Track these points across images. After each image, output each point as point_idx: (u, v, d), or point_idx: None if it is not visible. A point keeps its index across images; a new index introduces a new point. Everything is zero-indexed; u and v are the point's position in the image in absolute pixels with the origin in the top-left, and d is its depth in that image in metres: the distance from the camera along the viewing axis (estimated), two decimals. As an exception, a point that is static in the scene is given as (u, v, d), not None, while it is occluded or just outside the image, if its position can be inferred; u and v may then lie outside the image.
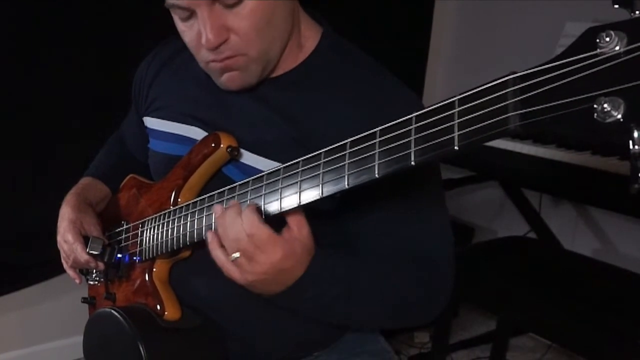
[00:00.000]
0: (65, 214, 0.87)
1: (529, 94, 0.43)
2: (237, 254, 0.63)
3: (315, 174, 0.58)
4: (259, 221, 0.61)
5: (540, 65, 0.43)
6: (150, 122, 0.88)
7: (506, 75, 0.45)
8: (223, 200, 0.69)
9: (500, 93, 0.45)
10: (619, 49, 0.39)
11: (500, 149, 1.49)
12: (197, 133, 0.81)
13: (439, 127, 0.49)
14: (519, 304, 1.38)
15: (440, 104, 0.50)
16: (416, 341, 1.98)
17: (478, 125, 0.46)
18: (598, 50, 0.40)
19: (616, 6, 0.42)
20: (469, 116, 0.47)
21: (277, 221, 0.63)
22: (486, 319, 2.04)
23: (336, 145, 0.57)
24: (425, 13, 2.14)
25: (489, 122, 0.45)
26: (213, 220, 0.68)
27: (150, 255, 0.81)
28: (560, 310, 1.29)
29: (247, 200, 0.65)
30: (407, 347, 1.96)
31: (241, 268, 0.63)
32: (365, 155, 0.54)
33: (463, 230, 2.01)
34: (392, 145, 0.52)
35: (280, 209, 0.62)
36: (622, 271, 1.44)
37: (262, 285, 0.65)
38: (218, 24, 0.68)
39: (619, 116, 0.38)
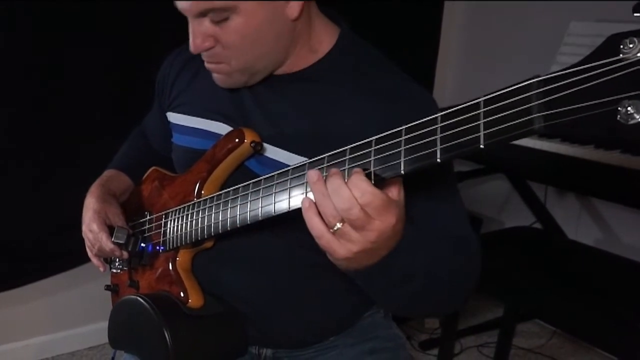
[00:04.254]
0: (90, 205, 0.89)
1: (554, 97, 0.45)
2: (339, 224, 0.56)
3: (341, 169, 0.59)
4: (372, 187, 0.54)
5: (564, 69, 0.45)
6: (174, 118, 0.90)
7: (531, 78, 0.47)
8: (273, 185, 0.66)
9: (525, 95, 0.46)
10: (642, 55, 0.41)
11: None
12: (220, 128, 0.82)
13: (465, 126, 0.50)
14: (525, 292, 1.41)
15: (465, 105, 0.51)
16: (426, 327, 2.02)
17: (503, 125, 0.48)
18: (621, 56, 0.41)
19: (636, 14, 0.45)
20: (495, 116, 0.48)
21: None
22: (493, 306, 2.08)
23: (361, 142, 0.58)
24: (434, 14, 2.13)
25: (515, 122, 0.47)
26: (304, 189, 0.62)
27: (174, 245, 0.84)
28: (564, 297, 1.32)
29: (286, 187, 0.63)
30: (418, 333, 2.00)
31: (345, 238, 0.56)
32: (390, 152, 0.56)
33: (471, 220, 2.01)
34: (418, 143, 0.53)
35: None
36: (623, 260, 1.47)
37: (363, 255, 0.58)
38: (203, 34, 0.73)
39: (642, 119, 0.40)
